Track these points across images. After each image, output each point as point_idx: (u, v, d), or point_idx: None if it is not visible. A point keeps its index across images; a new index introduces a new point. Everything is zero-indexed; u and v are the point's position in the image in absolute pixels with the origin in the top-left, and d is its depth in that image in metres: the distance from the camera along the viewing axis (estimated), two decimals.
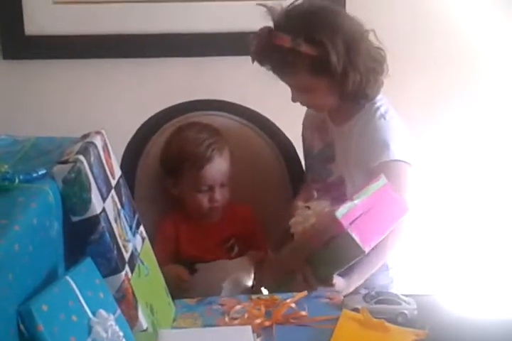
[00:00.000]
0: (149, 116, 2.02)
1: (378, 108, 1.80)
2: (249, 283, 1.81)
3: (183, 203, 1.91)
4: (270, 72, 2.22)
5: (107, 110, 2.38)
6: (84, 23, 2.36)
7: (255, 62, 1.79)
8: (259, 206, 2.00)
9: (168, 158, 1.89)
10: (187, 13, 2.37)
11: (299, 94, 1.78)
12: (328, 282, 1.57)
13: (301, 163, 2.05)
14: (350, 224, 1.46)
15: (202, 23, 2.37)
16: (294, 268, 1.59)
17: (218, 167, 1.85)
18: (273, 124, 2.06)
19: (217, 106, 2.05)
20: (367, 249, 1.47)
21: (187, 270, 1.83)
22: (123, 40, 2.36)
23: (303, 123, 1.99)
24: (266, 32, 1.72)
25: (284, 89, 2.37)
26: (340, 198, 1.67)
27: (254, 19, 2.33)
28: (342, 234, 1.46)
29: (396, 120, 1.79)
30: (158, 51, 2.38)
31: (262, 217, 1.99)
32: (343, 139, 1.84)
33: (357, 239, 1.46)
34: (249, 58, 2.32)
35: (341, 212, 1.47)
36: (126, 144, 1.98)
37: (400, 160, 1.73)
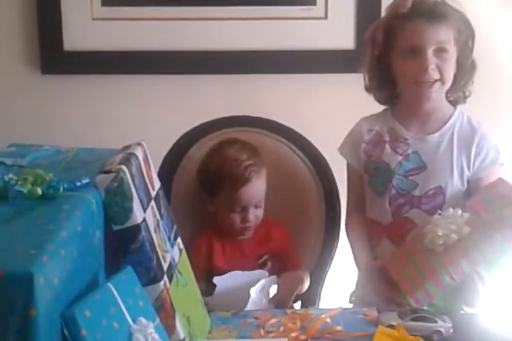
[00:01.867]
0: (185, 131, 2.05)
1: (467, 116, 1.86)
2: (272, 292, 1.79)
3: (217, 220, 1.91)
4: (306, 90, 2.26)
5: (143, 125, 2.40)
6: (122, 40, 2.38)
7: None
8: (292, 223, 2.00)
9: (206, 174, 1.90)
10: (223, 31, 2.39)
11: (437, 58, 1.75)
12: None
13: (335, 181, 2.05)
14: None
15: (239, 40, 2.39)
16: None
17: (254, 189, 1.85)
18: (307, 141, 2.07)
19: (253, 123, 2.07)
20: None
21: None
22: (161, 57, 2.38)
23: (359, 140, 1.93)
24: None
25: (319, 107, 2.41)
26: (435, 210, 1.72)
27: (289, 38, 2.40)
28: None
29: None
30: (196, 68, 2.39)
31: (294, 235, 1.99)
32: (435, 148, 1.84)
33: None
34: (285, 76, 2.38)
35: None
36: (162, 159, 2.00)
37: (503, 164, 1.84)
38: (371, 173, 1.90)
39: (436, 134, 1.84)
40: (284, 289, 1.77)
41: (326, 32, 2.41)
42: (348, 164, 1.97)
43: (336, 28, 2.41)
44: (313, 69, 2.41)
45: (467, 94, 1.85)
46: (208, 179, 1.89)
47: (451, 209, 1.66)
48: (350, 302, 1.92)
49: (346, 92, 2.42)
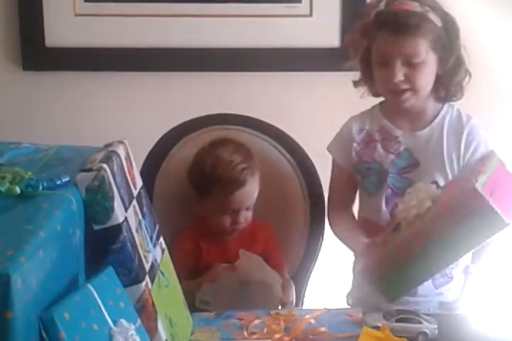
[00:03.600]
0: (168, 129, 2.02)
1: (457, 109, 1.84)
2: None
3: (204, 220, 1.89)
4: (290, 88, 2.25)
5: (125, 123, 2.37)
6: (105, 36, 2.36)
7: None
8: (276, 223, 1.98)
9: (198, 176, 1.85)
10: (207, 28, 2.38)
11: (407, 68, 1.72)
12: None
13: (319, 179, 2.03)
14: (490, 195, 1.43)
15: (223, 38, 2.37)
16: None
17: (248, 193, 1.83)
18: (292, 140, 2.05)
19: (235, 121, 2.04)
20: (510, 221, 1.44)
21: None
22: (143, 54, 2.36)
23: (349, 139, 1.89)
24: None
25: (304, 105, 2.40)
26: None
27: (273, 35, 2.39)
28: (482, 207, 1.43)
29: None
30: (179, 65, 2.37)
31: (278, 235, 1.97)
32: (425, 144, 1.82)
33: (499, 211, 1.42)
34: (269, 74, 2.37)
35: (480, 183, 1.43)
36: (144, 157, 1.98)
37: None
38: (363, 173, 1.87)
39: (426, 130, 1.83)
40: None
41: (310, 30, 2.40)
42: (333, 162, 1.95)
43: (321, 25, 2.40)
44: (297, 67, 2.40)
45: (458, 88, 1.81)
46: (200, 180, 1.85)
47: (421, 183, 1.66)
48: (349, 304, 1.91)
49: (330, 90, 2.41)
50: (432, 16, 1.72)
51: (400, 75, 1.71)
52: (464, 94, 1.83)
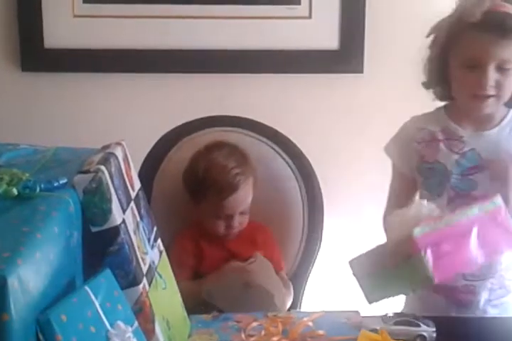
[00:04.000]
0: (166, 131, 2.02)
1: None
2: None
3: (200, 222, 1.89)
4: (289, 90, 2.24)
5: (123, 125, 2.37)
6: (104, 37, 2.36)
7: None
8: (274, 225, 1.98)
9: (192, 179, 1.85)
10: (207, 30, 2.38)
11: (499, 73, 1.66)
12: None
13: (318, 182, 2.03)
14: (428, 246, 1.37)
15: (222, 39, 2.37)
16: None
17: (241, 198, 1.83)
18: (290, 142, 2.05)
19: (235, 123, 2.04)
20: (437, 280, 1.39)
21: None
22: (142, 55, 2.36)
23: (410, 139, 1.83)
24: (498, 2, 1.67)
25: (302, 107, 2.40)
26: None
27: (273, 37, 2.38)
28: (415, 254, 1.39)
29: None
30: (178, 66, 2.37)
31: (276, 237, 1.97)
32: (493, 144, 1.75)
33: (429, 264, 1.38)
34: (268, 76, 2.36)
35: (421, 230, 1.38)
36: (143, 159, 1.97)
37: None
38: (425, 174, 1.80)
39: (494, 130, 1.76)
40: None
41: (310, 32, 2.40)
42: (393, 164, 1.89)
43: (320, 27, 2.40)
44: (296, 69, 2.40)
45: None
46: (194, 184, 1.85)
47: (422, 201, 1.61)
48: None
49: (330, 92, 2.41)
50: None
51: (492, 81, 1.65)
52: None
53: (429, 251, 1.37)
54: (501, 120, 1.76)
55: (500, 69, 1.65)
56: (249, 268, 1.77)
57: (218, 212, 1.82)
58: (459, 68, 1.70)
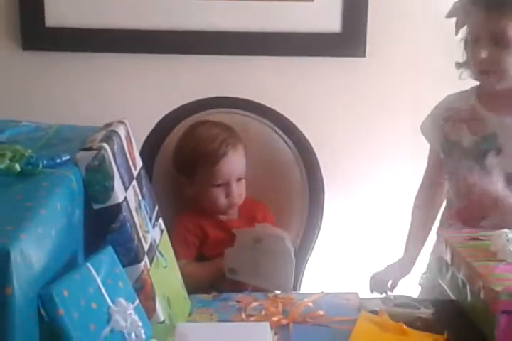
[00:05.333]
0: (169, 111, 2.02)
1: None
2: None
3: (199, 202, 1.89)
4: (291, 72, 2.23)
5: (126, 104, 2.36)
6: (105, 17, 2.34)
7: None
8: (275, 207, 1.98)
9: (181, 157, 1.87)
10: (209, 11, 2.35)
11: (495, 47, 1.66)
12: None
13: (319, 164, 2.03)
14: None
15: (224, 21, 2.35)
16: None
17: (233, 162, 1.84)
18: (291, 124, 2.04)
19: (236, 104, 2.04)
20: None
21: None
22: (145, 35, 2.34)
23: (439, 117, 1.85)
24: None
25: (304, 90, 2.39)
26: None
27: (275, 20, 2.37)
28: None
29: None
30: (181, 48, 2.36)
31: (277, 218, 1.97)
32: None
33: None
34: (270, 58, 2.35)
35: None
36: (145, 138, 1.97)
37: None
38: (446, 152, 1.83)
39: None
40: None
41: (312, 15, 2.38)
42: (428, 141, 1.92)
43: (323, 10, 2.38)
44: (298, 52, 2.38)
45: None
46: (184, 160, 1.87)
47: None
48: (419, 284, 1.94)
49: (331, 76, 2.40)
50: None
51: (484, 53, 1.66)
52: None
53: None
54: None
55: (498, 44, 1.65)
56: (253, 229, 1.79)
57: (214, 179, 1.83)
58: (470, 45, 1.72)
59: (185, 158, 1.86)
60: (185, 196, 1.91)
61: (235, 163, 1.84)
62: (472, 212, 1.79)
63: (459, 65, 1.80)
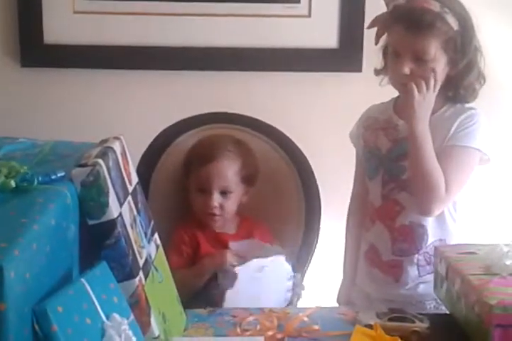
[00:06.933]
0: (164, 127, 2.03)
1: (462, 105, 1.82)
2: None
3: (196, 216, 1.90)
4: (288, 88, 2.24)
5: (122, 121, 2.37)
6: (103, 34, 2.36)
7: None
8: (271, 220, 1.99)
9: (184, 159, 1.93)
10: (206, 27, 2.37)
11: (415, 63, 1.72)
12: None
13: (315, 177, 2.04)
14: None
15: (221, 37, 2.37)
16: None
17: (218, 170, 1.85)
18: (288, 139, 2.06)
19: (232, 119, 2.05)
20: None
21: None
22: (142, 52, 2.36)
23: (361, 126, 1.95)
24: None
25: (300, 105, 2.40)
26: None
27: (272, 35, 2.39)
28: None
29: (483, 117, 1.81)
30: (177, 64, 2.37)
31: (273, 233, 1.97)
32: None
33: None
34: (266, 74, 2.37)
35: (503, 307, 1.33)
36: (141, 155, 1.98)
37: (479, 150, 1.77)
38: (365, 158, 1.92)
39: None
40: None
41: (309, 30, 2.40)
42: (356, 151, 1.99)
43: (320, 26, 2.40)
44: (295, 68, 2.40)
45: (470, 91, 1.80)
46: (183, 161, 1.92)
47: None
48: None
49: (328, 91, 2.41)
50: (450, 18, 1.71)
51: (406, 69, 1.71)
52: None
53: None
54: (433, 113, 1.78)
55: (418, 60, 1.72)
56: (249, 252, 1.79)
57: (197, 183, 1.86)
58: (390, 56, 1.79)
59: (186, 157, 1.92)
60: (184, 208, 1.92)
61: (220, 171, 1.85)
62: (388, 212, 1.85)
63: (377, 72, 1.88)
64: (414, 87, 1.71)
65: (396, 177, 1.83)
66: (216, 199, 1.85)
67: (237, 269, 1.73)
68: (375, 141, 1.89)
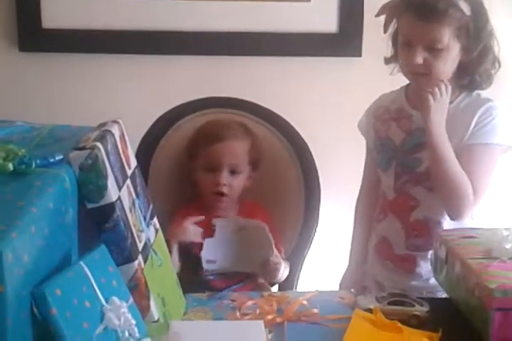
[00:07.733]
0: (164, 112, 2.02)
1: (478, 93, 1.79)
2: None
3: (198, 191, 1.89)
4: (287, 73, 2.23)
5: (121, 105, 2.36)
6: (102, 18, 2.34)
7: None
8: (271, 207, 1.99)
9: (190, 139, 1.91)
10: (204, 12, 2.36)
11: (428, 52, 1.69)
12: None
13: (315, 164, 2.03)
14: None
15: (220, 21, 2.36)
16: None
17: (230, 149, 1.85)
18: (288, 124, 2.05)
19: (232, 104, 2.05)
20: None
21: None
22: (140, 36, 2.34)
23: (371, 115, 1.91)
24: None
25: (300, 90, 2.39)
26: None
27: (271, 20, 2.37)
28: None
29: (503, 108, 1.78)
30: (176, 48, 2.36)
31: (273, 218, 1.97)
32: None
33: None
34: (266, 59, 2.36)
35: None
36: (140, 139, 1.97)
37: (500, 145, 1.74)
38: (377, 149, 1.89)
39: None
40: None
41: (308, 15, 2.38)
42: (366, 141, 1.96)
43: (319, 11, 2.38)
44: (295, 52, 2.39)
45: (485, 77, 1.76)
46: (190, 141, 1.91)
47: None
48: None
49: (327, 76, 2.40)
50: (462, 3, 1.67)
51: (419, 59, 1.69)
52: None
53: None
54: (450, 102, 1.75)
55: (431, 48, 1.69)
56: (233, 218, 1.83)
57: (206, 162, 1.85)
58: (401, 45, 1.75)
59: (192, 138, 1.91)
60: (185, 191, 1.93)
61: (231, 150, 1.85)
62: (401, 206, 1.83)
63: (387, 61, 1.85)
64: (431, 97, 1.68)
65: (410, 170, 1.80)
66: (225, 177, 1.84)
67: (215, 220, 1.79)
68: (387, 131, 1.85)
